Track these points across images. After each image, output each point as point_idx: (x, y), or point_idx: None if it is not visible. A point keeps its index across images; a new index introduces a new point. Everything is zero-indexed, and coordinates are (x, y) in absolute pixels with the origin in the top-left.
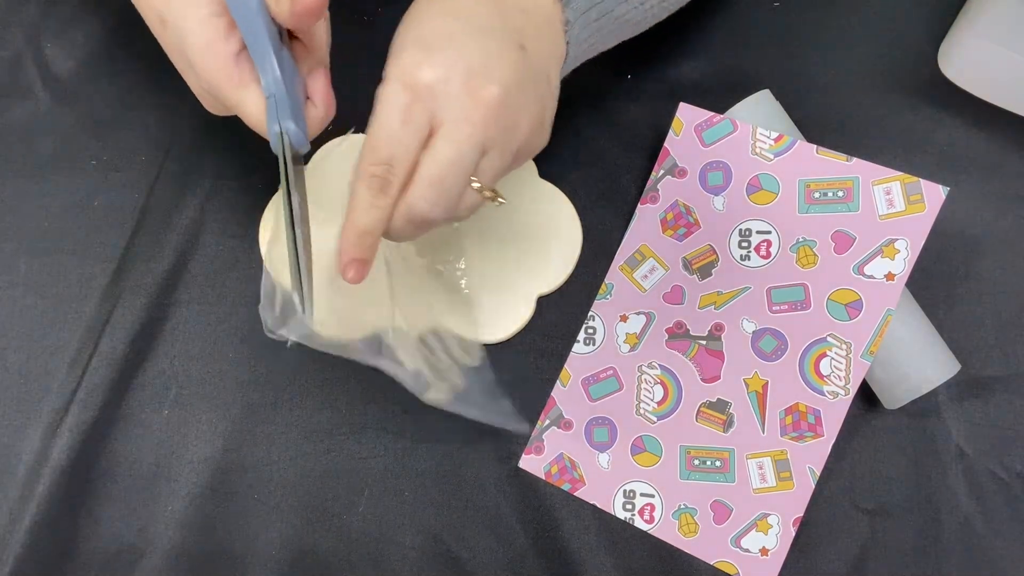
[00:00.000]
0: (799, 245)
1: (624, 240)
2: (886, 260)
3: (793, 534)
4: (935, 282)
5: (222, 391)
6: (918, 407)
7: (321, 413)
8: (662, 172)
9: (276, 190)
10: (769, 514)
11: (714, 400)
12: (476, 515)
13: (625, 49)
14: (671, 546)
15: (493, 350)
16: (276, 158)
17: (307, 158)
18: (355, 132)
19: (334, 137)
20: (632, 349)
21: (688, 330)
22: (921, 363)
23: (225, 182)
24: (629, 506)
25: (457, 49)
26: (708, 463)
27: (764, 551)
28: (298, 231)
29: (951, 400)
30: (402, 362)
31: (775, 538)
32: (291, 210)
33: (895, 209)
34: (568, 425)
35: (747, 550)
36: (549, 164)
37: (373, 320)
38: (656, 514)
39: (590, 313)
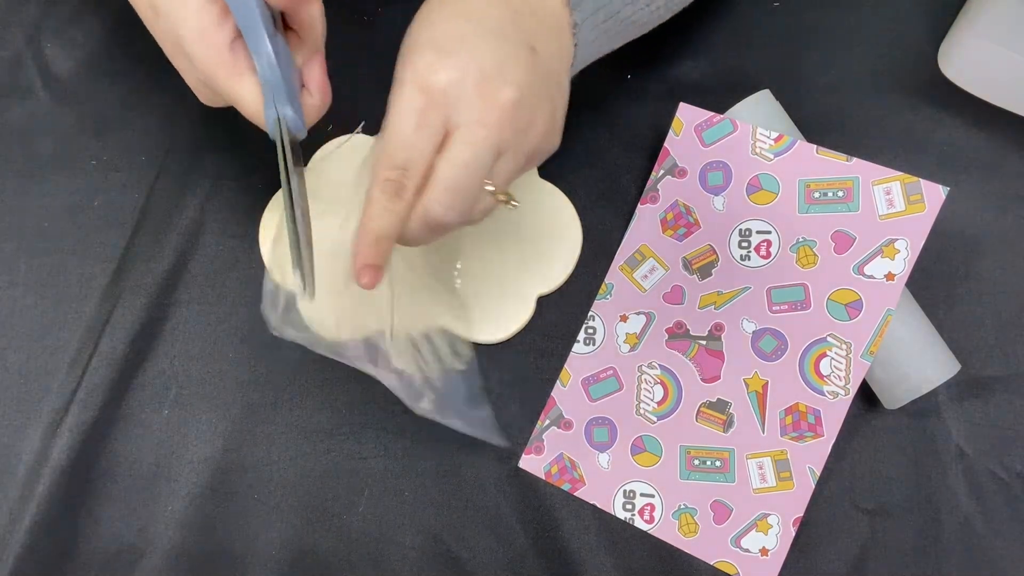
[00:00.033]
0: (799, 245)
1: (624, 240)
2: (886, 260)
3: (793, 534)
4: (935, 282)
5: (222, 391)
6: (918, 407)
7: (321, 413)
8: (662, 172)
9: (276, 190)
10: (769, 514)
11: (714, 400)
12: (476, 515)
13: (625, 49)
14: (671, 546)
15: (493, 350)
16: (276, 158)
17: (307, 159)
18: (362, 132)
19: (335, 137)
20: (632, 349)
21: (688, 330)
22: (921, 363)
23: (225, 182)
24: (629, 506)
25: (471, 52)
26: (708, 463)
27: (764, 551)
28: (298, 213)
29: (951, 400)
30: (397, 366)
31: (775, 538)
32: (290, 194)
33: (895, 209)
34: (568, 425)
35: (747, 550)
36: (549, 164)
37: (372, 321)
38: (656, 514)
39: (590, 313)
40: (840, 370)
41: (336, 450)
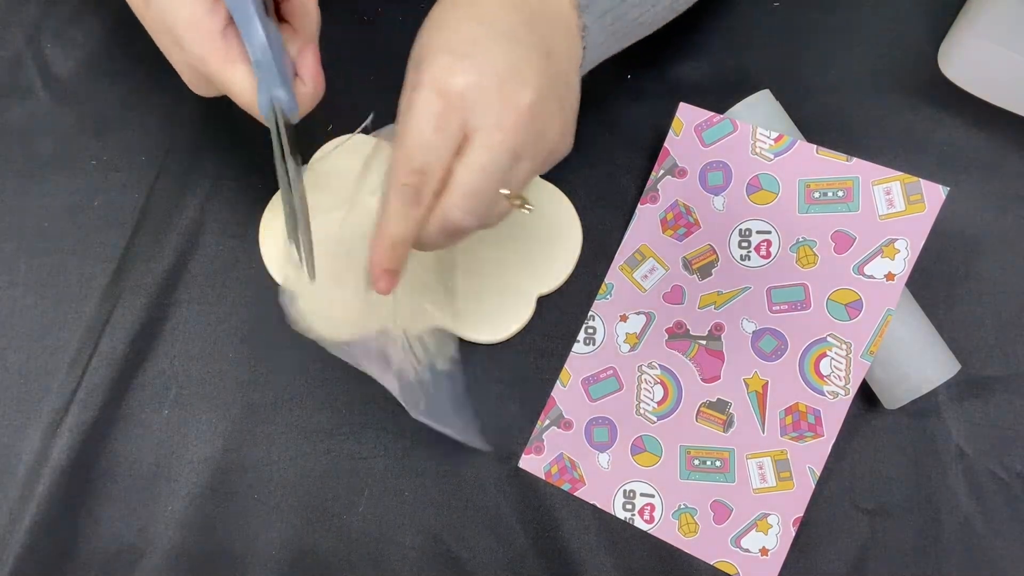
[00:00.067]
0: (799, 245)
1: (624, 240)
2: (886, 260)
3: (793, 534)
4: (935, 282)
5: (222, 391)
6: (918, 407)
7: (321, 413)
8: (662, 172)
9: (276, 190)
10: (769, 514)
11: (714, 400)
12: (476, 515)
13: (625, 49)
14: (671, 546)
15: (493, 350)
16: (274, 157)
17: (306, 158)
18: (370, 124)
19: (335, 137)
20: (632, 349)
21: (688, 330)
22: (921, 363)
23: (225, 182)
24: (629, 506)
25: (487, 55)
26: (708, 463)
27: (764, 551)
28: (296, 197)
29: (951, 400)
30: (397, 366)
31: (775, 538)
32: (287, 176)
33: (895, 209)
34: (568, 425)
35: (747, 550)
36: None
37: (372, 321)
38: (656, 514)
39: (590, 313)
40: (840, 370)
41: (336, 450)
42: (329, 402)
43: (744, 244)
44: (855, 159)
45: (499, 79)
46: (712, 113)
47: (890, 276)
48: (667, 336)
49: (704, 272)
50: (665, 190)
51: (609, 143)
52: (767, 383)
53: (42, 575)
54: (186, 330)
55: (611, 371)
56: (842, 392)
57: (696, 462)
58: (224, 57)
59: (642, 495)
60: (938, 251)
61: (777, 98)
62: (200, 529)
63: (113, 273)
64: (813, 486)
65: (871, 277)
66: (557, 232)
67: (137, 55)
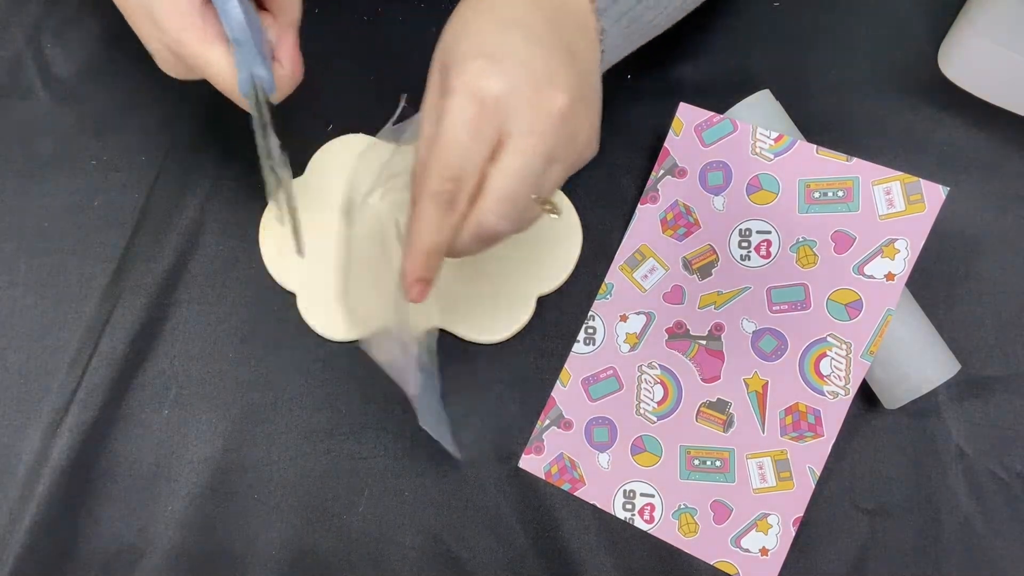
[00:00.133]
0: (799, 245)
1: (624, 240)
2: (886, 260)
3: (793, 534)
4: (935, 282)
5: (222, 391)
6: (918, 407)
7: (321, 413)
8: (662, 172)
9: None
10: (769, 514)
11: (714, 400)
12: (476, 515)
13: None
14: (671, 546)
15: (493, 350)
16: (255, 137)
17: (306, 159)
18: (374, 131)
19: (335, 137)
20: (632, 349)
21: (688, 330)
22: (921, 363)
23: (225, 182)
24: (629, 506)
25: (521, 59)
26: (708, 463)
27: (764, 551)
28: (282, 175)
29: (951, 400)
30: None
31: (775, 538)
32: (267, 153)
33: (895, 209)
34: (568, 425)
35: (747, 550)
36: None
37: (376, 323)
38: (656, 514)
39: (590, 313)
40: (840, 370)
41: (336, 450)
42: (329, 402)
43: (744, 244)
44: (855, 159)
45: (535, 83)
46: (712, 113)
47: (890, 276)
48: (667, 336)
49: (704, 272)
50: (665, 190)
51: (609, 143)
52: (767, 383)
53: (42, 575)
54: (186, 330)
55: (611, 371)
56: (842, 392)
57: (696, 462)
58: (202, 35)
59: (642, 495)
60: (938, 251)
61: (777, 98)
62: (200, 529)
63: (113, 273)
64: (813, 486)
65: (871, 277)
66: (557, 232)
67: (137, 55)
